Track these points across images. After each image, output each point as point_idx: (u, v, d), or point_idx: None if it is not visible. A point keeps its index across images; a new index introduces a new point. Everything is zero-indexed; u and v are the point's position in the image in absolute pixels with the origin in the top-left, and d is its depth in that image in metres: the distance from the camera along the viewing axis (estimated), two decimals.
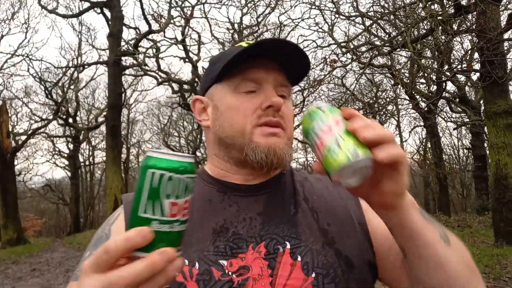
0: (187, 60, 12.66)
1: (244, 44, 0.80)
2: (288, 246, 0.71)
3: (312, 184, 0.84)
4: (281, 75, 0.80)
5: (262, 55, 0.77)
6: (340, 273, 0.70)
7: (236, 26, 13.09)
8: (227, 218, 0.75)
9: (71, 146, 21.46)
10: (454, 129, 17.49)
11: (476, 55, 8.69)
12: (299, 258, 0.70)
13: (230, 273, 0.68)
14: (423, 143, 18.57)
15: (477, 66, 8.14)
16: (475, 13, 6.69)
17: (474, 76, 10.79)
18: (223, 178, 0.81)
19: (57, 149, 22.75)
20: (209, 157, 0.86)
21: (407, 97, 13.12)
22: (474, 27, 6.87)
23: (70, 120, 19.31)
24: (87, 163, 25.19)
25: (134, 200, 0.46)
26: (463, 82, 11.82)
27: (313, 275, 0.68)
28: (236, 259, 0.70)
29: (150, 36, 12.39)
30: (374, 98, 14.37)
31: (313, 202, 0.79)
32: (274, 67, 0.79)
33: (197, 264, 0.69)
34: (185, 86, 13.21)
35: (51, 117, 18.39)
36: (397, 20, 9.60)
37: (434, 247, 0.63)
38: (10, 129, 14.71)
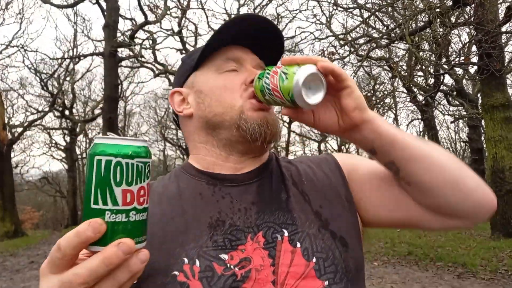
0: (184, 51, 12.58)
1: None
2: (286, 233, 0.71)
3: (297, 167, 0.83)
4: (257, 57, 0.84)
5: (237, 41, 0.80)
6: (338, 254, 0.71)
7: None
8: (222, 210, 0.73)
9: (67, 138, 21.35)
10: (451, 122, 17.53)
11: (474, 48, 8.67)
12: (298, 245, 0.70)
13: (232, 266, 0.67)
14: (421, 136, 18.62)
15: (475, 59, 8.13)
16: (473, 5, 6.66)
17: (472, 69, 10.79)
18: (211, 170, 0.79)
19: (53, 142, 22.67)
20: (193, 150, 0.83)
21: (404, 90, 13.12)
22: (472, 19, 6.84)
23: (67, 112, 19.19)
24: (84, 155, 25.11)
25: (84, 190, 0.43)
26: (461, 75, 11.81)
27: (314, 259, 0.69)
28: (237, 251, 0.69)
29: (146, 27, 12.30)
30: (372, 91, 14.35)
31: (302, 185, 0.79)
32: (249, 51, 0.82)
33: (197, 262, 0.67)
34: None
35: (47, 109, 18.27)
36: (395, 12, 9.54)
37: (417, 146, 0.69)
38: (6, 121, 14.63)
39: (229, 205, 0.74)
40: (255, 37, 0.80)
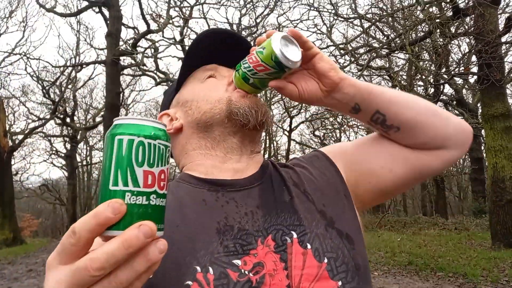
0: None
1: None
2: (295, 235, 0.69)
3: (294, 169, 0.83)
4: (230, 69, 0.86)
5: (209, 61, 0.86)
6: (346, 252, 0.70)
7: (234, 27, 13.09)
8: (228, 215, 0.71)
9: (68, 146, 21.36)
10: None
11: (474, 58, 8.71)
12: (308, 246, 0.69)
13: (246, 272, 0.65)
14: None
15: (475, 69, 8.17)
16: (473, 16, 6.71)
17: (472, 79, 10.83)
18: (210, 176, 0.76)
19: (54, 149, 22.66)
20: (187, 161, 0.81)
21: None
22: (472, 29, 6.89)
23: (68, 119, 19.23)
24: (84, 163, 25.12)
25: (102, 173, 0.41)
26: (461, 85, 11.85)
27: (326, 260, 0.68)
28: (249, 256, 0.66)
29: (148, 36, 12.38)
30: None
31: (303, 185, 0.79)
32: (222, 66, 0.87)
33: (210, 269, 0.64)
34: None
35: (48, 117, 18.31)
36: (395, 23, 9.61)
37: (390, 90, 0.78)
38: (7, 128, 14.66)
39: (235, 209, 0.72)
40: (223, 50, 0.85)
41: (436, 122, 0.77)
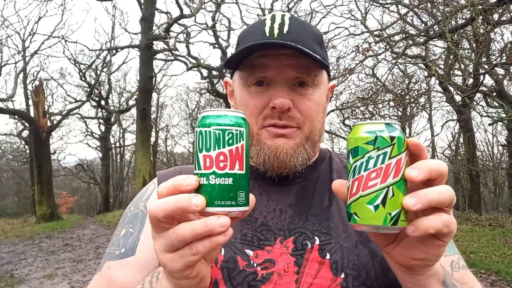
0: (216, 46, 12.68)
1: (268, 20, 0.72)
2: (317, 241, 0.68)
3: None
4: (302, 60, 0.69)
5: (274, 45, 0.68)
6: (373, 275, 0.66)
7: (266, 12, 12.95)
8: (256, 207, 0.72)
9: (102, 127, 22.10)
10: (489, 124, 16.75)
11: None
12: (327, 256, 0.67)
13: (255, 264, 0.66)
14: (456, 138, 17.96)
15: None
16: None
17: None
18: (252, 162, 0.75)
19: (89, 130, 23.52)
20: None
21: (440, 90, 12.68)
22: None
23: (103, 102, 19.83)
24: (117, 144, 25.91)
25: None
26: (502, 75, 11.28)
27: (342, 275, 0.65)
28: (263, 251, 0.68)
29: (181, 21, 12.47)
30: (406, 90, 13.95)
31: None
32: (291, 53, 0.69)
33: (222, 250, 0.67)
34: (214, 72, 13.25)
35: (84, 99, 18.97)
36: (434, 9, 9.21)
37: None
38: (46, 109, 15.28)
39: (265, 203, 0.73)
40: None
41: None
